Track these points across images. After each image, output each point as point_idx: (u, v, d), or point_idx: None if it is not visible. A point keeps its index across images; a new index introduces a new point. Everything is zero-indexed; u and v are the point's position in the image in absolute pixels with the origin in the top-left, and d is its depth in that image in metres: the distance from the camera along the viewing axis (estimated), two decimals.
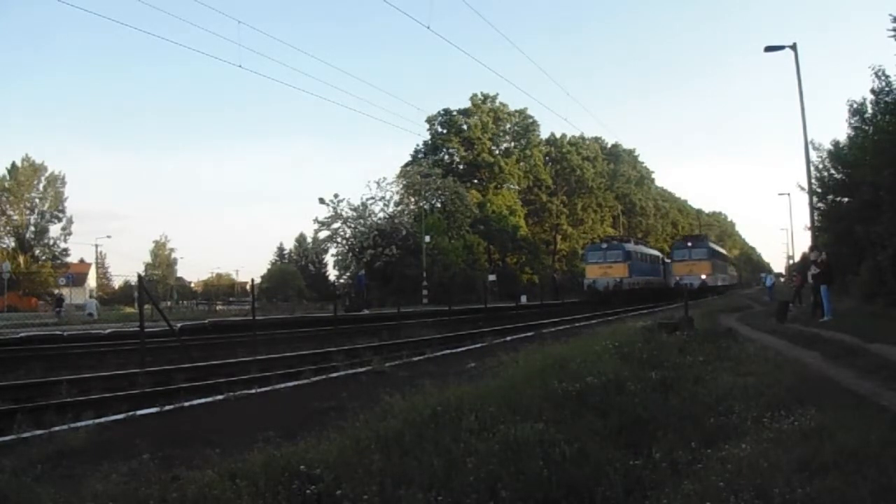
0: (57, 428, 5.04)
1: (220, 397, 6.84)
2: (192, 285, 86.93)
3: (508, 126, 58.26)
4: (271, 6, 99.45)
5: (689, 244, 44.90)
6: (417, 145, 55.13)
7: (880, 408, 5.07)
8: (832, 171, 23.55)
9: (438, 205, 49.03)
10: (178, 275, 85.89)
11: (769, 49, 20.10)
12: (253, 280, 17.11)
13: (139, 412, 6.03)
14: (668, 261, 49.09)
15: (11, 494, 3.25)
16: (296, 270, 64.42)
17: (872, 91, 18.60)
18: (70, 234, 60.11)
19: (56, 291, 48.01)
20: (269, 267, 72.56)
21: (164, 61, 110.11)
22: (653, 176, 76.40)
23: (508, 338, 12.59)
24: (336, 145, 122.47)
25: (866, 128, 20.01)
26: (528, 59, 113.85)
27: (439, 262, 42.19)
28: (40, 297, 45.37)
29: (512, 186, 56.97)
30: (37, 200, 58.21)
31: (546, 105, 67.79)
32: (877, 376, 6.70)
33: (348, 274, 41.92)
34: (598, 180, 63.37)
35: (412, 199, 48.01)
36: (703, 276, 41.41)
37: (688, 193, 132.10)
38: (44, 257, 56.76)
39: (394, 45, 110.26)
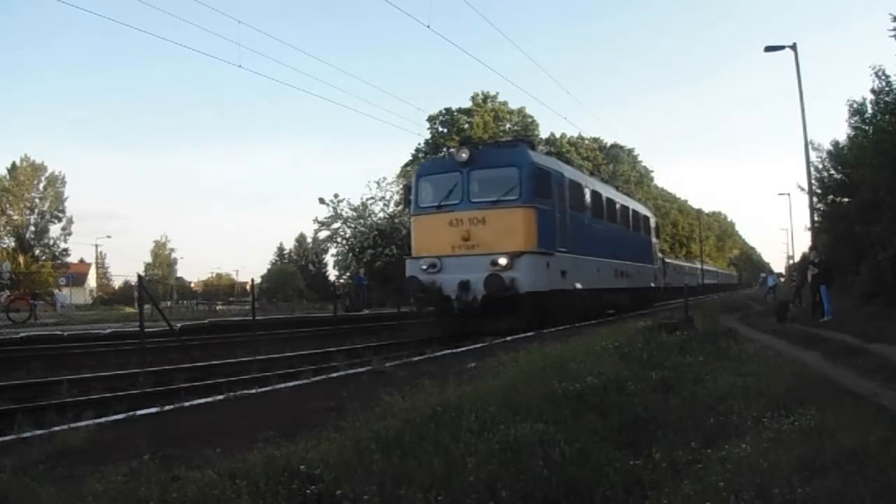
0: (57, 428, 5.03)
1: (220, 397, 6.82)
2: (192, 285, 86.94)
3: (508, 126, 58.27)
4: (271, 6, 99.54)
5: (464, 155, 14.81)
6: (418, 145, 55.19)
7: (880, 408, 5.07)
8: (832, 172, 23.61)
9: None
10: (178, 275, 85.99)
11: (769, 49, 20.13)
12: (253, 280, 17.16)
13: (139, 412, 6.01)
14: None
15: (11, 494, 3.25)
16: (296, 270, 64.44)
17: (872, 91, 18.66)
18: (70, 234, 60.38)
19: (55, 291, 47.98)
20: (269, 267, 72.64)
21: (164, 61, 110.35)
22: (652, 175, 76.44)
23: (508, 338, 12.58)
24: (336, 145, 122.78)
25: (866, 128, 20.06)
26: (527, 58, 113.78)
27: None
28: (41, 298, 45.31)
29: None
30: (37, 200, 58.36)
31: (545, 104, 68.33)
32: (877, 376, 6.71)
33: (348, 274, 41.90)
34: None
35: None
36: (503, 262, 14.03)
37: (688, 193, 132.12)
38: (44, 257, 56.79)
39: (394, 45, 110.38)
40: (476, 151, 15.18)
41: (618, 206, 22.04)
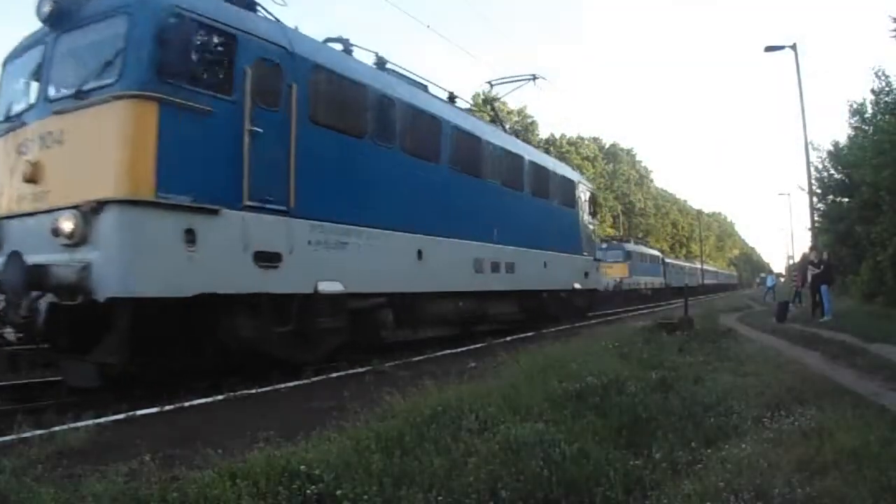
0: (57, 428, 5.02)
1: (220, 397, 6.82)
2: None
3: (508, 126, 58.28)
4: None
5: (46, 9, 6.70)
6: None
7: (880, 408, 5.07)
8: (832, 172, 23.68)
9: None
10: None
11: (769, 49, 20.15)
12: None
13: (139, 412, 6.01)
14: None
15: (11, 494, 3.25)
16: None
17: (872, 91, 18.78)
18: None
19: None
20: None
21: None
22: (651, 175, 76.55)
23: (508, 338, 12.58)
24: None
25: (866, 128, 20.13)
26: (527, 58, 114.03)
27: None
28: None
29: None
30: None
31: (545, 104, 68.39)
32: (877, 376, 6.72)
33: None
34: (598, 180, 63.41)
35: None
36: (67, 228, 6.01)
37: (688, 193, 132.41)
38: None
39: (394, 44, 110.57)
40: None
41: (488, 147, 12.98)
